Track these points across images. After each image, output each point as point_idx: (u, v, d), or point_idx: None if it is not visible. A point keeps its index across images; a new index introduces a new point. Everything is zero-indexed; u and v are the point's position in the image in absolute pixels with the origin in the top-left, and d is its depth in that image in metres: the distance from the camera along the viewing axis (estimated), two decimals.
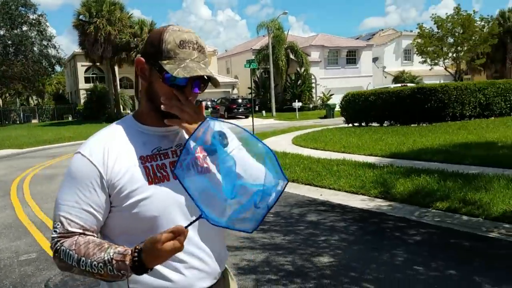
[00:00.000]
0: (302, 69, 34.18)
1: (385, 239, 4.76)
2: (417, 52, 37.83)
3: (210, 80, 1.27)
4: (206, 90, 1.35)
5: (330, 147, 11.43)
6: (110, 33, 29.12)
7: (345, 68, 39.00)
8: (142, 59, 1.25)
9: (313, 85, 36.04)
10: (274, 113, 30.98)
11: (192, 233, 1.22)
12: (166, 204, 1.21)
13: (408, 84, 22.59)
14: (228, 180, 1.14)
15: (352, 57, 39.60)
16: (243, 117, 29.98)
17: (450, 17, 33.58)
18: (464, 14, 33.16)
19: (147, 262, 1.05)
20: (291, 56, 34.89)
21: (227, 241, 1.63)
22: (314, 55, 37.05)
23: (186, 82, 1.21)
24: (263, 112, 30.98)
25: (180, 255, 1.14)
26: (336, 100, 32.20)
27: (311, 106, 34.96)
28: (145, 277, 1.16)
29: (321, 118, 26.30)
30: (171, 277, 1.21)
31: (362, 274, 3.80)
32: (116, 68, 33.03)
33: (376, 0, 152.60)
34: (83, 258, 1.11)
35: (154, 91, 1.24)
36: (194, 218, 1.13)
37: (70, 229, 1.17)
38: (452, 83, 18.47)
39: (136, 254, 1.06)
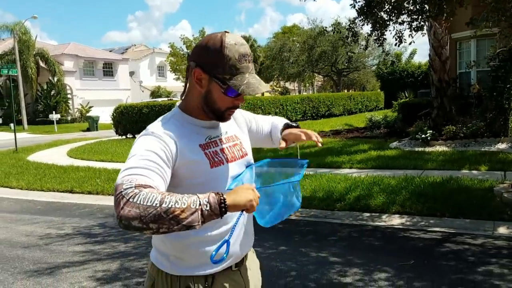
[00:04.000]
0: (55, 79, 31.58)
1: None
2: (170, 70, 40.37)
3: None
4: None
5: (119, 158, 11.30)
6: None
7: (103, 80, 37.96)
8: (200, 69, 1.39)
9: (69, 96, 33.72)
10: (26, 126, 27.59)
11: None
12: (224, 184, 1.46)
13: (174, 99, 23.94)
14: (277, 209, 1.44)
15: (109, 69, 38.86)
16: None
17: (197, 39, 37.20)
18: None
19: (228, 193, 1.21)
20: (42, 64, 31.79)
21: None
22: (68, 65, 34.70)
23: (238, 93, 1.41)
24: (11, 125, 27.14)
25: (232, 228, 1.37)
26: (96, 112, 31.13)
27: (69, 118, 32.59)
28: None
29: (83, 131, 24.91)
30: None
31: None
32: None
33: (118, 15, 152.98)
34: (167, 197, 1.12)
35: (212, 99, 1.42)
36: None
37: (146, 184, 1.18)
38: None
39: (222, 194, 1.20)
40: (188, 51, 36.83)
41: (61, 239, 5.15)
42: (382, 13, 6.60)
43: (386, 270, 3.88)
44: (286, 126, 1.69)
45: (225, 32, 1.42)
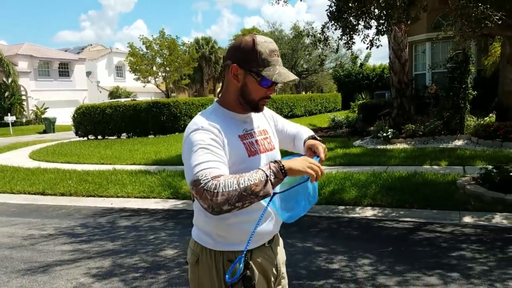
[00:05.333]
0: (10, 80, 30.33)
1: None
2: (130, 70, 39.68)
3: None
4: None
5: (86, 160, 11.13)
6: None
7: (58, 80, 36.77)
8: (236, 66, 1.59)
9: (24, 97, 32.44)
10: None
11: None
12: None
13: (138, 99, 23.56)
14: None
15: (65, 69, 37.69)
16: None
17: (156, 39, 36.78)
18: (169, 38, 36.98)
19: (287, 162, 1.43)
20: None
21: None
22: (22, 65, 33.38)
23: (272, 82, 1.61)
24: None
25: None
26: (52, 113, 30.13)
27: (24, 120, 31.34)
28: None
29: (40, 133, 24.05)
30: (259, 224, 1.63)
31: None
32: None
33: (70, 14, 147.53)
34: (240, 178, 1.36)
35: (248, 91, 1.62)
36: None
37: (218, 173, 1.39)
38: (182, 98, 20.62)
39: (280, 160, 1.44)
40: (148, 51, 36.29)
41: (46, 239, 5.13)
42: (351, 18, 6.97)
43: (368, 257, 4.19)
44: (310, 138, 1.87)
45: (254, 34, 1.66)
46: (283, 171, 1.41)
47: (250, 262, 1.67)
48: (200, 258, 1.68)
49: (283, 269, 1.89)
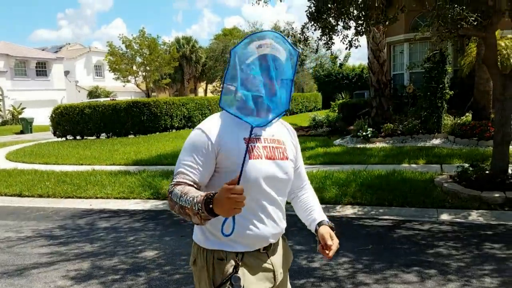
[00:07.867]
0: None
1: (184, 227, 5.43)
2: (109, 69, 39.11)
3: None
4: None
5: (64, 160, 10.94)
6: None
7: (36, 80, 36.03)
8: None
9: (0, 97, 31.68)
10: None
11: (270, 207, 1.69)
12: (258, 176, 1.63)
13: (117, 99, 23.21)
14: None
15: (42, 69, 36.95)
16: None
17: (136, 38, 36.36)
18: (149, 37, 36.61)
19: (214, 201, 1.38)
20: None
21: None
22: None
23: None
24: None
25: (261, 215, 1.65)
26: (29, 113, 29.51)
27: (0, 120, 30.64)
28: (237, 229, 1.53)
29: (17, 133, 23.55)
30: (253, 228, 1.65)
31: (188, 256, 4.42)
32: None
33: (47, 13, 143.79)
34: (183, 195, 1.47)
35: None
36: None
37: (183, 180, 1.57)
38: (162, 98, 20.45)
39: (212, 193, 1.41)
40: (128, 50, 35.86)
41: (23, 242, 5.03)
42: (331, 19, 7.03)
43: (348, 255, 4.24)
44: (326, 224, 1.84)
45: None
46: (208, 209, 1.39)
47: (239, 263, 1.65)
48: (197, 259, 1.71)
49: (282, 277, 1.84)
